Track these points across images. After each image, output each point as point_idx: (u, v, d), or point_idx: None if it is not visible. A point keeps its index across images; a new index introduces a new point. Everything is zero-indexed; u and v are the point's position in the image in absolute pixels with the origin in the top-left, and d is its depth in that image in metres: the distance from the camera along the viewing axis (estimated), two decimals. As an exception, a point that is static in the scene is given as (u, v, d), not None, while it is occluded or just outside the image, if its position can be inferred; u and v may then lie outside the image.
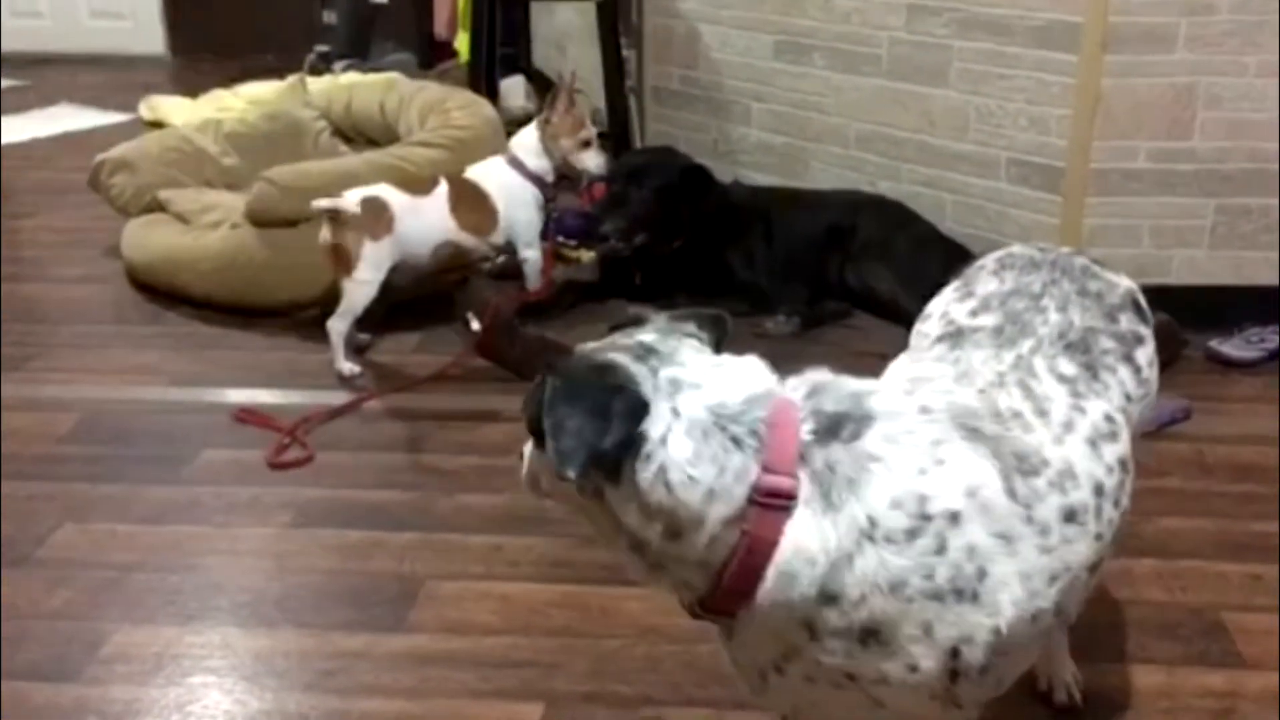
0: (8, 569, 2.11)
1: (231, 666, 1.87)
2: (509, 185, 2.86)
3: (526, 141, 2.88)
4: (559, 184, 2.97)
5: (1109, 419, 1.29)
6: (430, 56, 5.82)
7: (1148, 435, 2.49)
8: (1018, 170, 3.09)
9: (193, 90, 5.46)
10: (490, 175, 2.88)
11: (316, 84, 4.45)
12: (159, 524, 2.26)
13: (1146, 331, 1.46)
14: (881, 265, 2.89)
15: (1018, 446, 1.19)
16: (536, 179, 2.86)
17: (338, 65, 5.61)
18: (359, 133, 3.95)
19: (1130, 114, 2.91)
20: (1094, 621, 1.95)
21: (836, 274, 2.92)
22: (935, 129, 3.22)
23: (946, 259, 2.99)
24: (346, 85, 4.37)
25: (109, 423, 2.64)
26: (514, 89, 4.90)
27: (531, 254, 2.89)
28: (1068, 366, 1.32)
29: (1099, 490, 1.23)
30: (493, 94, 4.16)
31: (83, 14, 6.62)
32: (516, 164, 2.87)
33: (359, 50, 5.79)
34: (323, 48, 5.79)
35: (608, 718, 1.77)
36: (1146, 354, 1.43)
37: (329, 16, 5.88)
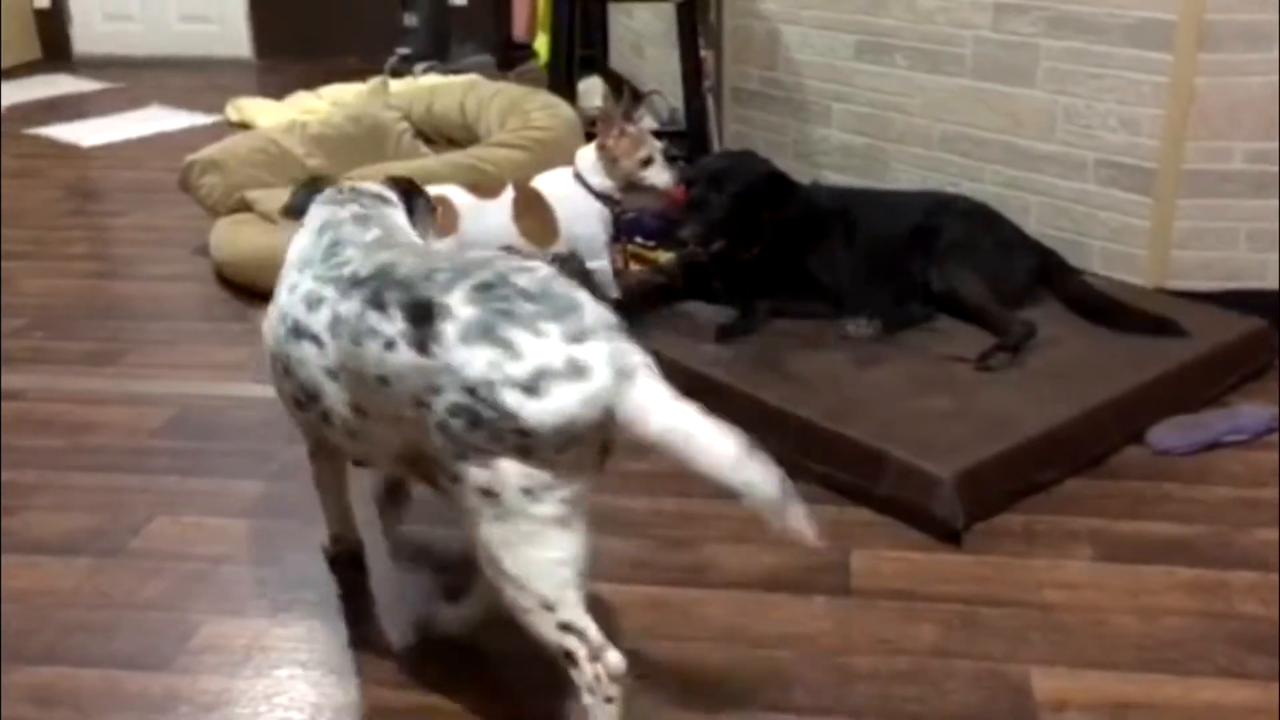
0: (102, 559, 2.17)
1: (318, 659, 1.90)
2: (572, 199, 2.85)
3: (587, 160, 2.87)
4: (629, 192, 2.97)
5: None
6: (509, 58, 5.86)
7: (1240, 445, 2.45)
8: (1107, 171, 3.02)
9: (278, 93, 5.57)
10: (555, 186, 2.88)
11: (398, 86, 4.52)
12: (248, 517, 2.30)
13: None
14: (965, 268, 2.84)
15: None
16: (601, 195, 2.86)
17: (418, 67, 5.68)
18: (440, 134, 3.99)
19: (1225, 114, 2.83)
20: (1187, 634, 1.90)
21: (919, 276, 2.88)
22: (1021, 129, 3.17)
23: (1032, 262, 2.96)
24: (427, 87, 4.42)
25: (199, 418, 2.70)
26: (592, 90, 4.92)
27: (599, 264, 2.88)
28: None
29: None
30: (571, 95, 4.18)
31: (172, 18, 6.78)
32: (580, 179, 2.87)
33: (439, 52, 5.85)
34: (403, 50, 5.87)
35: (688, 720, 1.76)
36: None
37: (409, 19, 5.96)
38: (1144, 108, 2.91)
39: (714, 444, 1.53)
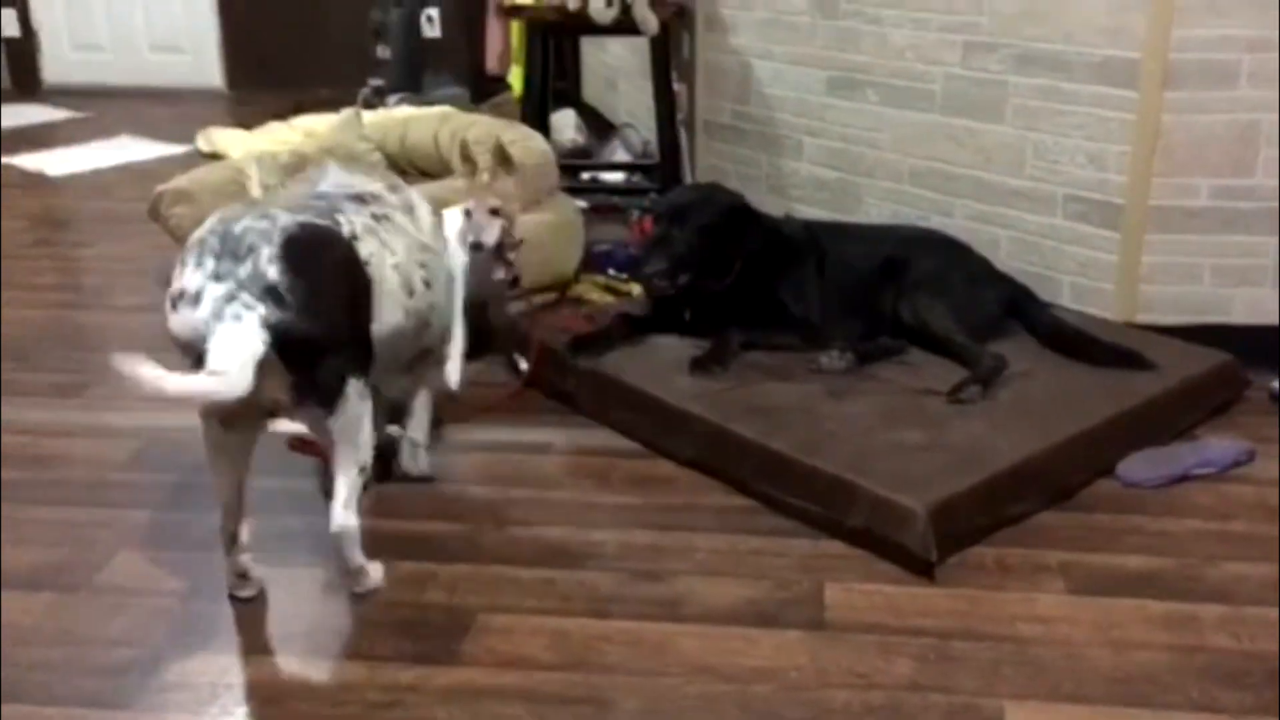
0: (65, 594, 2.13)
1: (286, 696, 1.87)
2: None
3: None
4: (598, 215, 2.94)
5: None
6: (482, 90, 5.88)
7: (1211, 478, 2.47)
8: (1075, 207, 3.06)
9: (250, 123, 5.55)
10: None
11: (371, 117, 4.50)
12: (213, 551, 2.26)
13: None
14: (936, 301, 2.85)
15: None
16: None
17: (391, 99, 5.68)
18: (413, 165, 3.98)
19: (1191, 150, 2.87)
20: (1159, 668, 1.91)
21: (890, 309, 2.89)
22: (990, 165, 3.20)
23: (1002, 295, 2.98)
24: (401, 119, 4.41)
25: (164, 451, 2.66)
26: (565, 122, 4.94)
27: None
28: None
29: None
30: (544, 128, 4.19)
31: (143, 47, 6.76)
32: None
33: (412, 84, 5.85)
34: (377, 81, 5.87)
35: (662, 757, 1.75)
36: None
37: (383, 51, 5.96)
38: (1111, 144, 2.94)
39: (214, 378, 1.79)
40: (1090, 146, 2.99)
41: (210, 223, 1.93)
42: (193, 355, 1.83)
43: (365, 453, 2.03)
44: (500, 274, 2.66)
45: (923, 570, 2.15)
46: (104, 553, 2.26)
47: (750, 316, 2.88)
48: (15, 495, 2.47)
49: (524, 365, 2.97)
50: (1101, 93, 2.93)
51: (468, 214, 2.56)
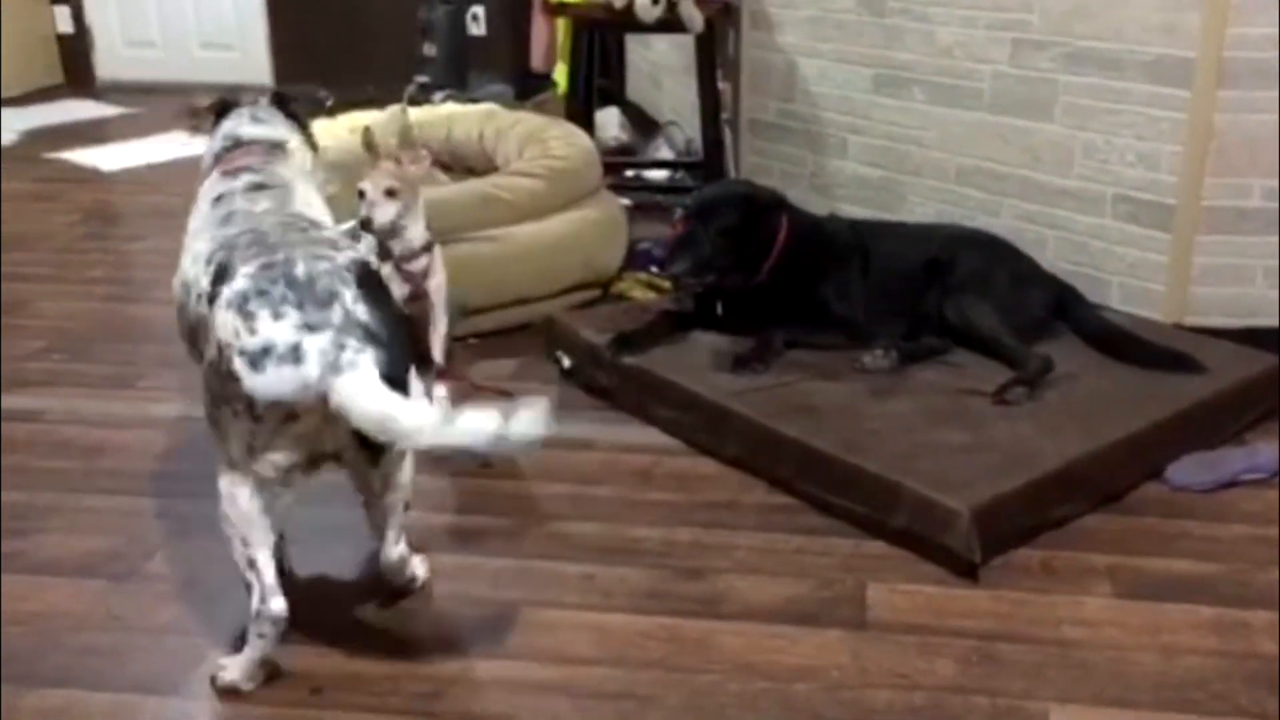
0: (116, 582, 2.17)
1: (329, 685, 1.89)
2: None
3: None
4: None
5: None
6: (527, 88, 5.90)
7: (1258, 483, 2.43)
8: (1125, 207, 3.02)
9: (296, 119, 5.60)
10: None
11: (416, 114, 4.54)
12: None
13: None
14: (982, 301, 2.83)
15: None
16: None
17: (436, 96, 5.71)
18: (458, 161, 4.00)
19: (1244, 151, 2.84)
20: (1207, 673, 1.88)
21: (935, 309, 2.87)
22: (1039, 164, 3.17)
23: (1049, 296, 2.95)
24: (446, 115, 4.44)
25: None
26: (609, 120, 4.95)
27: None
28: None
29: None
30: (589, 126, 4.20)
31: (193, 44, 6.84)
32: None
33: (457, 81, 5.89)
34: (422, 78, 5.90)
35: (702, 753, 1.75)
36: None
37: (429, 49, 6.00)
38: (1163, 144, 2.91)
39: (416, 419, 1.69)
40: (1141, 146, 2.95)
41: (250, 269, 1.75)
42: (277, 414, 1.71)
43: (410, 488, 2.00)
44: (397, 288, 2.46)
45: (966, 571, 2.14)
46: (154, 541, 2.30)
47: (793, 315, 2.87)
48: (68, 485, 2.52)
49: (566, 363, 2.98)
50: (1153, 91, 2.90)
51: (361, 194, 2.53)
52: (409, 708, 1.84)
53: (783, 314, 2.87)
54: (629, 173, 4.53)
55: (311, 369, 1.66)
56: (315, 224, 2.00)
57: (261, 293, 1.71)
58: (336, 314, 1.71)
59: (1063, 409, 2.53)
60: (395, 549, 2.02)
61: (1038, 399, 2.58)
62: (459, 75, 5.94)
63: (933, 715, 1.81)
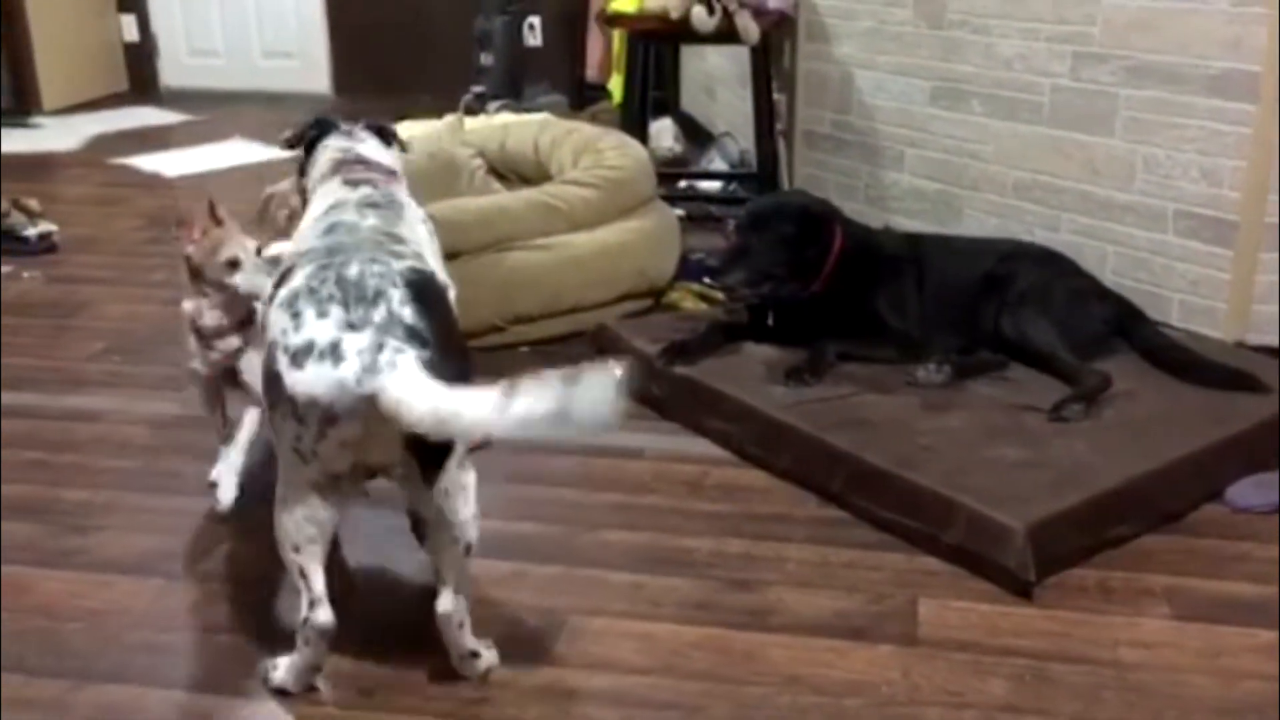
0: (173, 581, 2.20)
1: (379, 688, 1.91)
2: None
3: None
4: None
5: None
6: (582, 98, 5.93)
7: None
8: (1186, 223, 2.97)
9: (354, 128, 5.67)
10: None
11: (472, 123, 4.57)
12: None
13: None
14: (1039, 316, 2.80)
15: None
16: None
17: (492, 105, 5.76)
18: (513, 170, 4.03)
19: (1311, 166, 2.78)
20: (1267, 699, 1.84)
21: (991, 324, 2.84)
22: (1099, 178, 3.14)
23: (1107, 312, 2.91)
24: (501, 125, 4.47)
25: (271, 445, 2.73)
26: (663, 131, 4.96)
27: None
28: None
29: None
30: (643, 136, 4.21)
31: (256, 54, 6.95)
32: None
33: (513, 91, 5.93)
34: (478, 88, 5.95)
35: (750, 766, 1.74)
36: None
37: (485, 59, 6.05)
38: (1226, 159, 2.86)
39: (476, 407, 1.58)
40: (1204, 161, 2.91)
41: (308, 269, 1.76)
42: (316, 414, 1.67)
43: (471, 529, 1.83)
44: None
45: (1020, 590, 2.11)
46: (210, 541, 2.33)
47: (846, 327, 2.85)
48: (127, 484, 2.56)
49: (618, 371, 2.97)
50: (1217, 106, 2.85)
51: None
52: (457, 712, 1.85)
53: (836, 326, 2.85)
54: (682, 183, 4.54)
55: (349, 368, 1.64)
56: (403, 241, 1.90)
57: (311, 291, 1.71)
58: (380, 313, 1.68)
59: (1121, 427, 2.49)
60: (449, 599, 1.83)
61: (1095, 416, 2.54)
62: (515, 85, 5.99)
63: (984, 734, 1.79)
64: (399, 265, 1.78)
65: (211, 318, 2.37)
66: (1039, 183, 3.28)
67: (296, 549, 1.80)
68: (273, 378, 1.71)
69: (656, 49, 4.59)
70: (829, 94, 3.91)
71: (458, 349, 1.79)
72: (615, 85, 5.51)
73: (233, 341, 2.39)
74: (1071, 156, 3.19)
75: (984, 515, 2.17)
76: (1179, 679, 1.90)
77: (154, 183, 5.19)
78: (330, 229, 1.90)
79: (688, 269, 3.60)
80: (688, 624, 2.06)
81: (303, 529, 1.79)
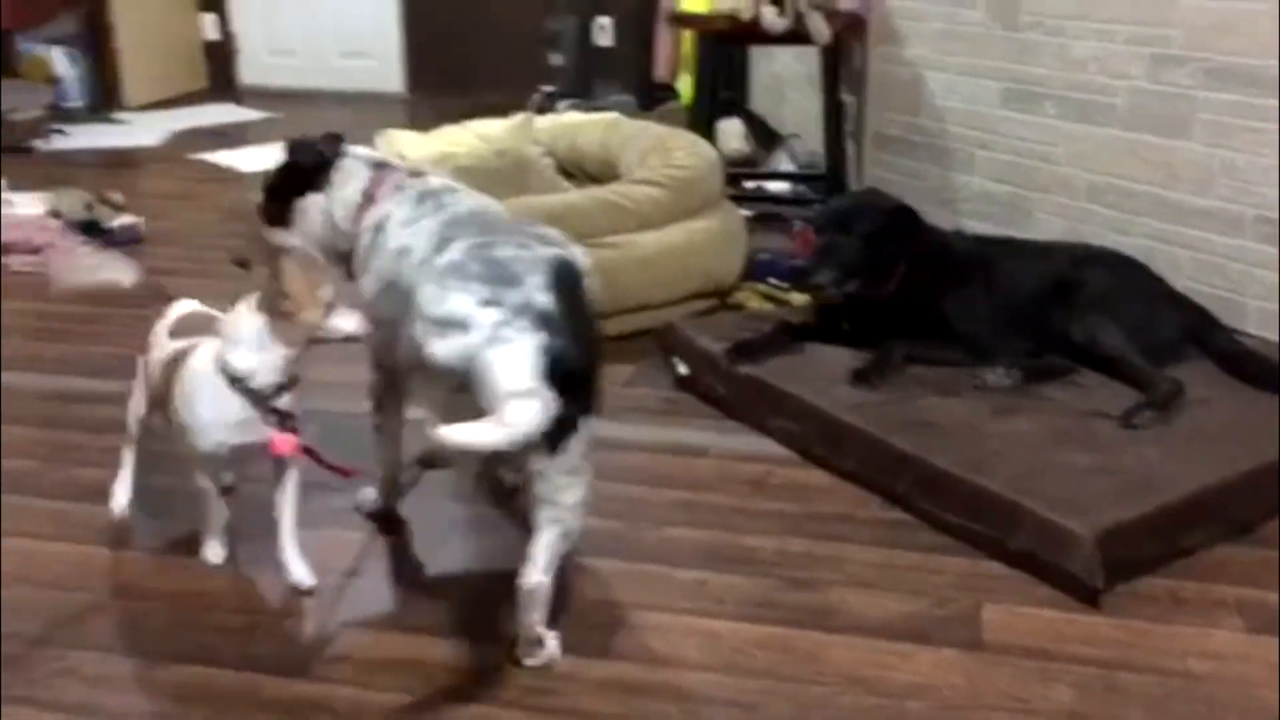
0: (244, 565, 2.25)
1: (444, 675, 1.94)
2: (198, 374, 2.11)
3: (239, 332, 2.09)
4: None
5: None
6: (651, 98, 5.95)
7: None
8: (1265, 228, 2.92)
9: (425, 126, 5.74)
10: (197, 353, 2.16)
11: (542, 122, 4.61)
12: (377, 532, 2.36)
13: None
14: (1110, 321, 2.76)
15: None
16: (238, 382, 2.05)
17: (561, 104, 5.80)
18: (581, 169, 4.06)
19: (1397, 172, 2.72)
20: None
21: (1061, 329, 2.81)
22: (1175, 183, 3.09)
23: (1181, 318, 2.86)
24: (570, 124, 4.51)
25: (339, 435, 2.77)
26: (731, 131, 4.96)
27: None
28: None
29: None
30: (711, 136, 4.22)
31: (332, 53, 7.07)
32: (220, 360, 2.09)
33: (583, 91, 5.98)
34: (548, 87, 6.01)
35: (810, 765, 1.75)
36: None
37: (556, 58, 6.11)
38: (1308, 164, 2.81)
39: (516, 415, 1.68)
40: (1285, 166, 2.85)
41: (464, 245, 1.87)
42: (452, 382, 1.77)
43: (577, 516, 1.88)
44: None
45: (1087, 597, 2.09)
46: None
47: (914, 329, 2.84)
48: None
49: (682, 369, 3.00)
50: (1300, 109, 2.80)
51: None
52: (520, 700, 1.88)
53: (903, 328, 2.84)
54: (750, 184, 4.55)
55: (475, 338, 1.75)
56: (533, 220, 2.07)
57: (461, 267, 1.84)
58: (516, 296, 1.78)
59: (1193, 434, 2.45)
60: (536, 574, 1.85)
61: (1167, 423, 2.50)
62: (584, 84, 6.04)
63: (1048, 741, 1.78)
64: (546, 252, 1.88)
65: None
66: (1112, 186, 3.24)
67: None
68: (416, 348, 1.83)
69: (726, 49, 4.59)
70: (899, 96, 3.89)
71: (589, 337, 1.86)
72: (684, 85, 5.52)
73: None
74: (1147, 160, 3.14)
75: (1052, 521, 2.15)
76: (1249, 692, 1.87)
77: (231, 178, 5.31)
78: (440, 206, 2.03)
79: (754, 269, 3.61)
80: (750, 622, 2.07)
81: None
